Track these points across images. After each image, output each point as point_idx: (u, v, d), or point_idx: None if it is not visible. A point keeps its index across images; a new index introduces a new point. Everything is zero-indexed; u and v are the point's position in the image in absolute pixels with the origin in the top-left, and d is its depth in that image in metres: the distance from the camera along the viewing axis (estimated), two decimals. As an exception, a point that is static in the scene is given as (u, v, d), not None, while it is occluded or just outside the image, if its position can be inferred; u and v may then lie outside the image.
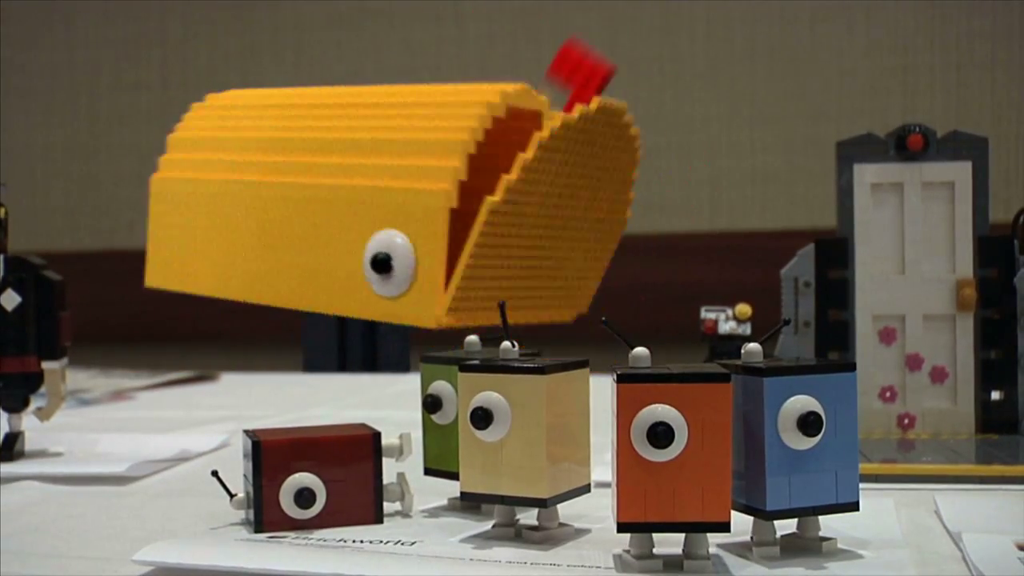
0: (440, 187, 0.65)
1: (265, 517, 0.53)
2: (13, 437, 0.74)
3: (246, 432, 0.55)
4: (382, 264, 0.65)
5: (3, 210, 0.73)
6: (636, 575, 0.46)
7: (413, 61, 1.91)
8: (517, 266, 0.71)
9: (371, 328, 1.52)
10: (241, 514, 0.55)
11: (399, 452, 0.57)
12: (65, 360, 0.75)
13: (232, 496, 0.54)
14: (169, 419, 0.97)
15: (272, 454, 0.53)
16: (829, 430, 0.46)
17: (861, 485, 0.48)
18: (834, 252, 0.77)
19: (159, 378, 1.29)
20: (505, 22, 1.89)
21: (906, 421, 0.76)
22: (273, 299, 0.73)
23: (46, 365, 0.73)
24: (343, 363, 1.52)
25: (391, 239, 0.65)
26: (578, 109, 0.70)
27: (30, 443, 0.75)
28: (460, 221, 0.67)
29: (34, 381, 0.74)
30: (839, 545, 0.49)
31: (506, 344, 0.54)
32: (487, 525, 0.53)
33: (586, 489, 0.52)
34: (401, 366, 1.51)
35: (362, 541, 0.51)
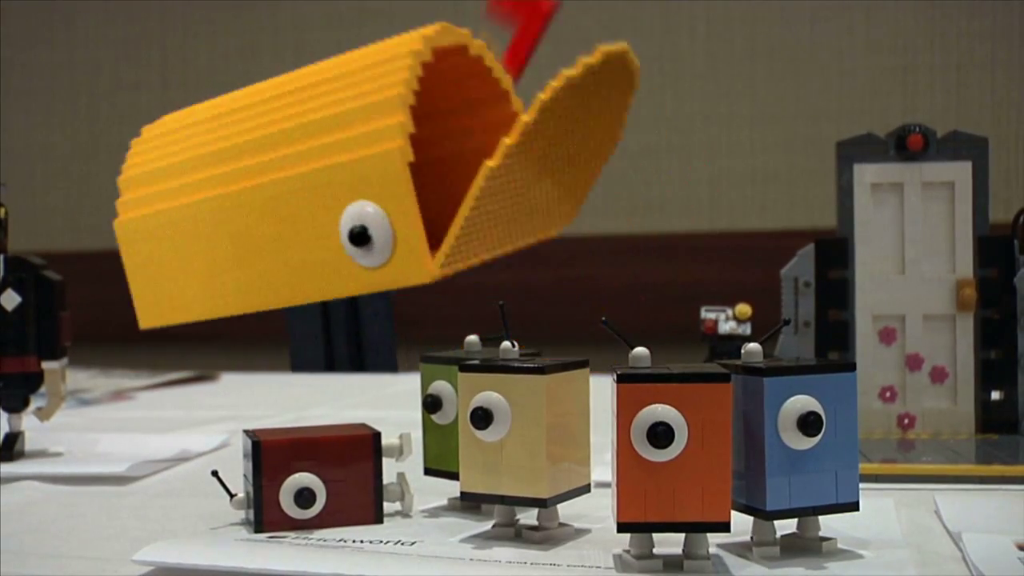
0: (393, 145, 0.65)
1: (265, 517, 0.53)
2: (13, 437, 0.74)
3: (246, 432, 0.55)
4: (360, 236, 0.65)
5: (3, 210, 0.73)
6: (636, 575, 0.46)
7: (413, 61, 1.91)
8: (508, 208, 0.71)
9: (355, 322, 1.52)
10: (241, 514, 0.55)
11: (399, 452, 0.57)
12: (65, 360, 0.75)
13: (232, 496, 0.54)
14: (169, 419, 0.97)
15: (272, 454, 0.53)
16: (829, 430, 0.46)
17: (861, 485, 0.48)
18: (834, 252, 0.77)
19: (159, 378, 1.29)
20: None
21: (906, 421, 0.76)
22: (266, 303, 0.72)
23: (46, 365, 0.73)
24: (330, 361, 1.52)
25: (362, 210, 0.65)
26: (581, 63, 0.69)
27: (30, 443, 0.75)
28: (417, 172, 0.67)
29: (34, 381, 0.74)
30: (839, 545, 0.49)
31: (506, 344, 0.54)
32: (487, 525, 0.53)
33: (586, 489, 0.52)
34: (388, 361, 1.51)
35: (362, 541, 0.51)
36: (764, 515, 0.47)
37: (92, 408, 1.06)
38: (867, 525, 0.52)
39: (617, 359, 0.47)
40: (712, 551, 0.47)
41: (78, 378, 1.26)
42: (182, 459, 0.75)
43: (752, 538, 0.48)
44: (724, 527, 0.45)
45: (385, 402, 1.10)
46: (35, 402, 0.74)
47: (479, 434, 0.49)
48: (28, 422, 0.75)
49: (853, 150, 0.77)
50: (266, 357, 1.67)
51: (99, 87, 2.11)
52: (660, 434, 0.44)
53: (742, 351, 0.49)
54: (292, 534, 0.52)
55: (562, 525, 0.52)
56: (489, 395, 0.49)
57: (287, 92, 0.74)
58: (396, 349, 1.52)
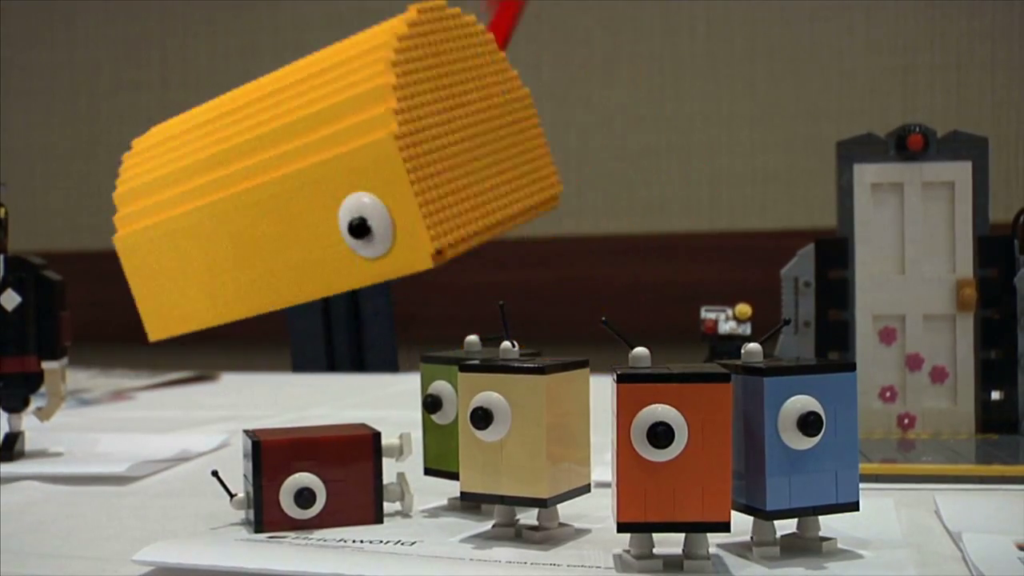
0: (384, 133, 0.65)
1: (265, 517, 0.53)
2: (13, 437, 0.74)
3: (246, 432, 0.55)
4: (359, 228, 0.65)
5: (3, 210, 0.73)
6: (636, 575, 0.46)
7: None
8: (471, 171, 0.70)
9: (356, 322, 1.52)
10: (241, 514, 0.55)
11: (399, 452, 0.57)
12: (65, 360, 0.75)
13: (232, 496, 0.54)
14: (169, 419, 0.97)
15: (272, 454, 0.53)
16: (829, 430, 0.46)
17: (861, 485, 0.48)
18: (834, 252, 0.77)
19: (159, 378, 1.29)
20: (505, 22, 1.88)
21: (906, 421, 0.76)
22: (271, 304, 0.72)
23: (46, 365, 0.73)
24: (331, 361, 1.52)
25: (359, 201, 0.65)
26: (401, 16, 0.70)
27: (30, 443, 0.75)
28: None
29: (34, 381, 0.74)
30: (839, 545, 0.49)
31: (506, 344, 0.54)
32: (487, 525, 0.53)
33: (586, 489, 0.52)
34: (389, 360, 1.51)
35: (362, 541, 0.51)
36: (764, 515, 0.47)
37: (92, 408, 1.06)
38: (867, 525, 0.52)
39: (617, 359, 0.47)
40: (712, 551, 0.47)
41: (78, 378, 1.26)
42: (182, 459, 0.75)
43: (752, 538, 0.48)
44: (724, 527, 0.45)
45: (385, 402, 1.10)
46: (35, 402, 0.74)
47: (479, 434, 0.49)
48: (28, 422, 0.75)
49: (853, 150, 0.77)
50: (267, 357, 1.67)
51: (99, 87, 2.11)
52: (660, 434, 0.44)
53: (742, 351, 0.49)
54: (292, 534, 0.52)
55: (562, 525, 0.52)
56: (489, 395, 0.49)
57: (274, 91, 0.74)
58: (397, 348, 1.52)
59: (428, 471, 0.58)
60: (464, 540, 0.51)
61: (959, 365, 0.76)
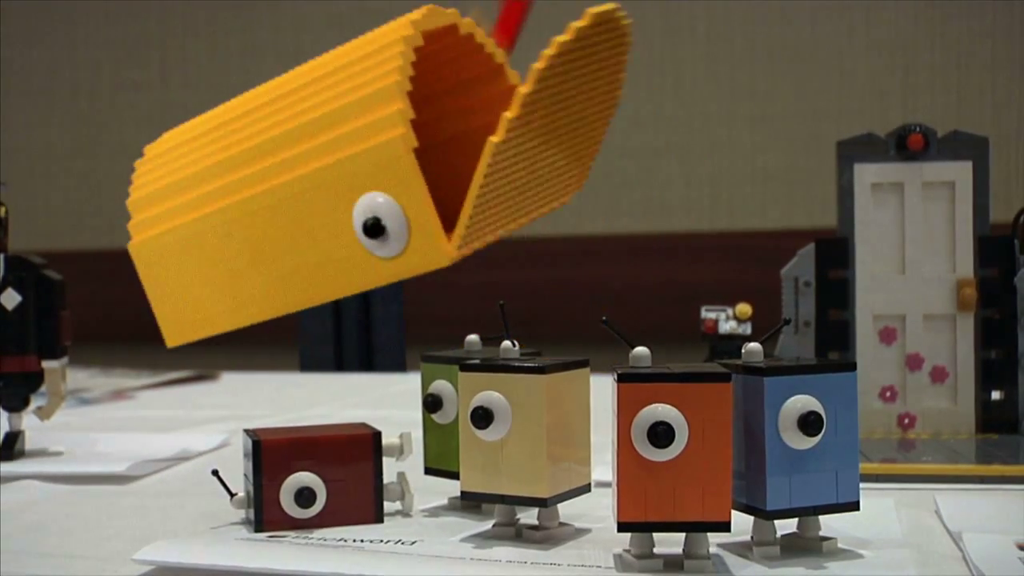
0: (395, 133, 0.65)
1: (265, 516, 0.53)
2: (13, 436, 0.74)
3: (246, 432, 0.55)
4: (374, 228, 0.64)
5: (3, 209, 0.73)
6: (636, 575, 0.46)
7: (413, 61, 1.91)
8: (518, 181, 0.71)
9: (366, 325, 1.52)
10: (241, 514, 0.55)
11: (399, 452, 0.57)
12: (65, 359, 0.75)
13: (232, 496, 0.54)
14: (169, 419, 0.97)
15: (272, 453, 0.53)
16: (829, 430, 0.46)
17: (861, 485, 0.48)
18: (834, 252, 0.77)
19: (159, 378, 1.29)
20: (505, 22, 1.88)
21: (906, 421, 0.76)
22: (288, 307, 0.72)
23: (46, 364, 0.73)
24: (339, 362, 1.52)
25: (373, 201, 0.65)
26: (572, 28, 0.69)
27: (30, 443, 0.75)
28: (421, 157, 0.67)
29: (34, 380, 0.74)
30: (839, 545, 0.49)
31: (506, 344, 0.54)
32: (487, 525, 0.53)
33: (586, 489, 0.52)
34: (397, 363, 1.51)
35: (362, 541, 0.51)
36: (764, 515, 0.47)
37: (92, 408, 1.06)
38: (867, 525, 0.52)
39: (617, 359, 0.48)
40: (712, 551, 0.47)
41: (78, 378, 1.26)
42: (182, 459, 0.75)
43: (752, 538, 0.48)
44: (724, 527, 0.45)
45: (386, 401, 1.10)
46: (35, 401, 0.74)
47: (479, 434, 0.49)
48: (28, 421, 0.75)
49: (853, 150, 0.77)
50: (267, 357, 1.67)
51: (99, 87, 2.11)
52: (660, 434, 0.44)
53: (742, 351, 0.49)
54: (292, 534, 0.52)
55: (562, 525, 0.52)
56: (489, 395, 0.49)
57: (284, 94, 0.74)
58: (406, 352, 1.52)
59: (428, 471, 0.58)
60: (464, 540, 0.51)
61: (959, 365, 0.76)
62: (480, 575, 0.46)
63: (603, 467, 0.50)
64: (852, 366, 0.48)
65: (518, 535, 0.51)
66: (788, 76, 1.82)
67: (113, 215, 2.19)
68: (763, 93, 1.82)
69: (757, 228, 1.82)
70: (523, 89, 0.67)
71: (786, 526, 0.48)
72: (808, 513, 0.47)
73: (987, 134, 0.76)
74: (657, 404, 0.45)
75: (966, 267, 0.76)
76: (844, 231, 0.77)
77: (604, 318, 0.49)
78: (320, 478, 0.53)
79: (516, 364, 0.49)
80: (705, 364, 0.48)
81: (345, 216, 0.66)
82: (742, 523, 0.47)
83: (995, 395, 0.76)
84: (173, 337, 0.77)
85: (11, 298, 0.72)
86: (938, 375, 0.76)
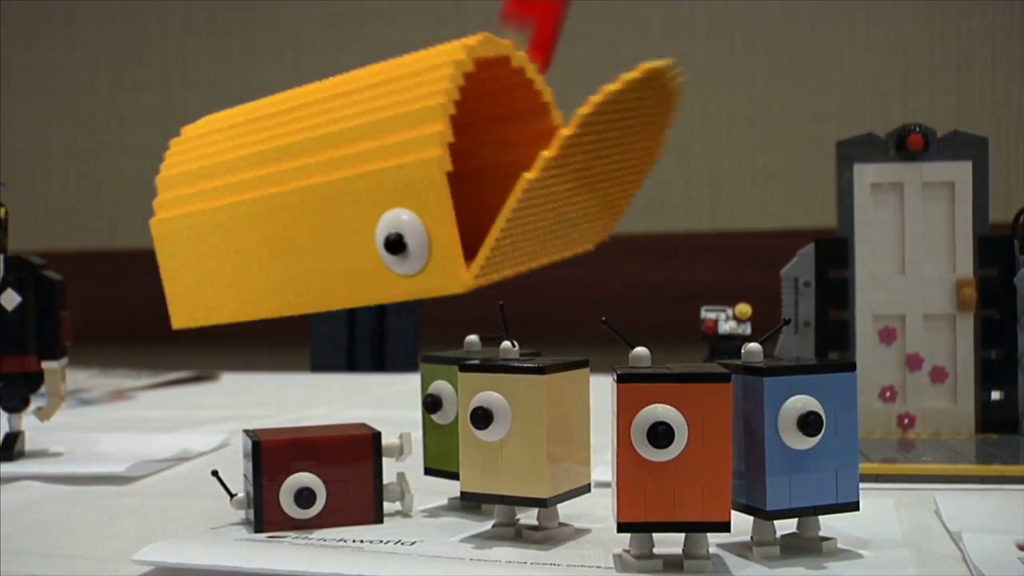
0: (432, 154, 0.65)
1: (265, 517, 0.53)
2: (13, 437, 0.74)
3: (246, 432, 0.55)
4: (396, 244, 0.65)
5: (3, 210, 0.73)
6: (636, 575, 0.46)
7: (413, 61, 1.91)
8: (545, 221, 0.71)
9: (380, 328, 1.52)
10: (241, 514, 0.55)
11: (399, 452, 0.57)
12: (65, 360, 0.75)
13: (232, 496, 0.54)
14: (169, 419, 0.97)
15: (272, 454, 0.53)
16: (829, 430, 0.46)
17: (861, 485, 0.48)
18: (834, 252, 0.77)
19: (159, 378, 1.29)
20: (505, 22, 1.89)
21: (906, 421, 0.76)
22: (298, 307, 0.72)
23: (46, 365, 0.73)
24: (351, 363, 1.52)
25: (398, 217, 0.65)
26: (623, 79, 0.69)
27: (30, 443, 0.75)
28: (455, 182, 0.67)
29: (34, 381, 0.74)
30: (839, 545, 0.49)
31: (506, 344, 0.54)
32: (487, 525, 0.53)
33: (586, 489, 0.52)
34: (410, 365, 1.51)
35: (362, 541, 0.51)
36: (764, 515, 0.47)
37: (92, 408, 1.06)
38: (867, 525, 0.52)
39: (617, 359, 0.48)
40: (712, 551, 0.47)
41: (78, 378, 1.26)
42: (182, 459, 0.75)
43: (752, 538, 0.48)
44: (724, 527, 0.45)
45: (386, 402, 1.10)
46: (35, 402, 0.74)
47: (479, 434, 0.49)
48: (28, 422, 0.75)
49: (853, 150, 0.77)
50: (267, 356, 1.67)
51: (99, 87, 2.11)
52: (660, 434, 0.44)
53: (742, 351, 0.49)
54: (292, 534, 0.53)
55: (562, 525, 0.52)
56: (489, 395, 0.49)
57: (327, 97, 0.74)
58: (418, 350, 1.52)
59: (428, 471, 0.58)
60: (464, 540, 0.51)
61: (959, 365, 0.76)
62: (480, 575, 0.46)
63: (603, 467, 0.50)
64: (852, 366, 0.48)
65: (518, 535, 0.51)
66: (788, 76, 1.82)
67: (113, 215, 2.19)
68: (763, 93, 1.82)
69: (757, 228, 1.82)
70: (565, 131, 0.66)
71: (786, 526, 0.48)
72: (808, 513, 0.47)
73: (987, 134, 0.76)
74: (657, 404, 0.45)
75: (966, 267, 0.76)
76: (844, 231, 0.77)
77: (604, 318, 0.49)
78: (320, 478, 0.53)
79: (516, 364, 0.49)
80: (705, 364, 0.48)
81: (369, 227, 0.67)
82: (742, 523, 0.47)
83: (995, 395, 0.76)
84: (180, 319, 0.77)
85: (11, 298, 0.72)
86: (938, 375, 0.76)
